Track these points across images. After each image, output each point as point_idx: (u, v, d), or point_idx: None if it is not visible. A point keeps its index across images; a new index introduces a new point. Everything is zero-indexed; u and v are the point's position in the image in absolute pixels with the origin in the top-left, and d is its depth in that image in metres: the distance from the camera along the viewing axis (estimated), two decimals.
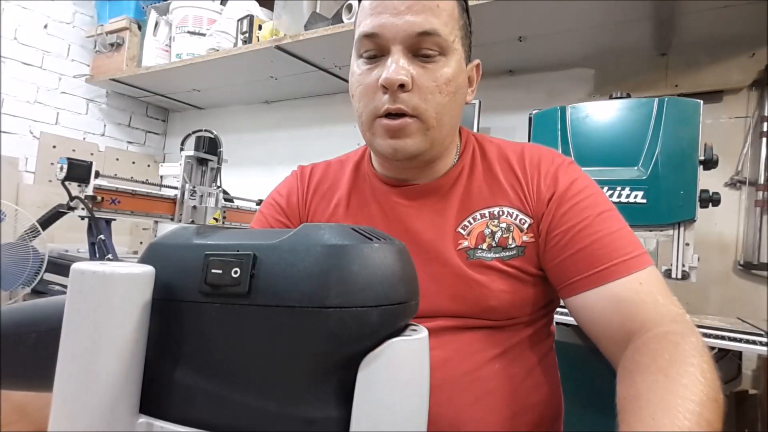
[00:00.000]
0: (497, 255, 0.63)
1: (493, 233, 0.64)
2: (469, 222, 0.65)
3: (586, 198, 0.62)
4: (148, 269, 0.21)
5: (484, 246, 0.64)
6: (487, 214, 0.65)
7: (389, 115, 0.60)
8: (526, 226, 0.64)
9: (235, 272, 0.20)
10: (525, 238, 0.64)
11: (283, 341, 0.20)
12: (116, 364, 0.19)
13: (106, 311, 0.19)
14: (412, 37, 0.58)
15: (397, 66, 0.58)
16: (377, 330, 0.21)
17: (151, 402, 0.21)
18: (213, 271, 0.21)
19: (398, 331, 0.22)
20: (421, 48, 0.59)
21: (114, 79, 2.40)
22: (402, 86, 0.58)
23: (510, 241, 0.64)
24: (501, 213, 0.65)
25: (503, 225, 0.64)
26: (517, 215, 0.64)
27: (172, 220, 1.81)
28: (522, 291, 0.63)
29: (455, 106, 0.64)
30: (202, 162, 1.85)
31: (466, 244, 0.64)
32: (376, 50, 0.61)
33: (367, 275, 0.21)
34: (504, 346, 0.63)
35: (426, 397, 0.22)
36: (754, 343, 1.02)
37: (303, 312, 0.20)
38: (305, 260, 0.21)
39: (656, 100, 1.14)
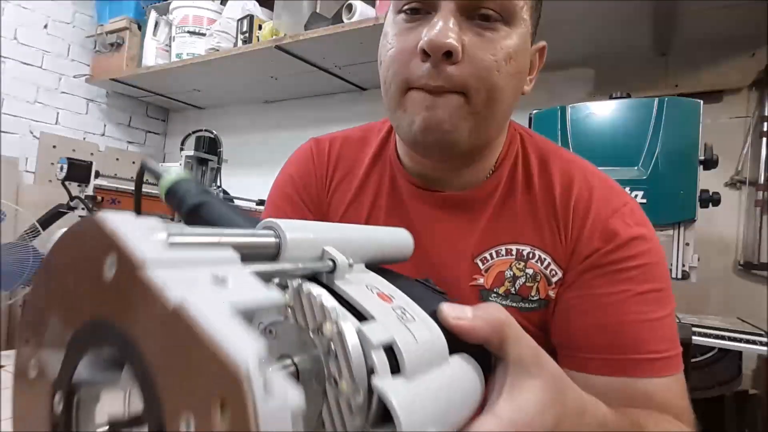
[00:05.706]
0: (514, 304, 0.53)
1: (514, 278, 0.53)
2: (491, 255, 0.54)
3: (635, 267, 0.49)
4: None
5: (501, 291, 0.53)
6: (514, 252, 0.53)
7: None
8: (555, 279, 0.52)
9: None
10: (551, 293, 0.52)
11: None
12: None
13: None
14: None
15: (445, 26, 0.43)
16: None
17: None
18: None
19: None
20: (481, 7, 0.45)
21: (114, 79, 2.40)
22: (449, 55, 0.44)
23: (533, 293, 0.52)
24: (531, 255, 0.53)
25: (529, 271, 0.52)
26: (548, 264, 0.52)
27: (173, 220, 1.81)
28: None
29: (512, 93, 0.49)
30: (202, 162, 1.85)
31: (481, 281, 0.54)
32: (422, 3, 0.46)
33: None
34: None
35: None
36: (754, 343, 1.02)
37: None
38: None
39: (656, 100, 1.14)
